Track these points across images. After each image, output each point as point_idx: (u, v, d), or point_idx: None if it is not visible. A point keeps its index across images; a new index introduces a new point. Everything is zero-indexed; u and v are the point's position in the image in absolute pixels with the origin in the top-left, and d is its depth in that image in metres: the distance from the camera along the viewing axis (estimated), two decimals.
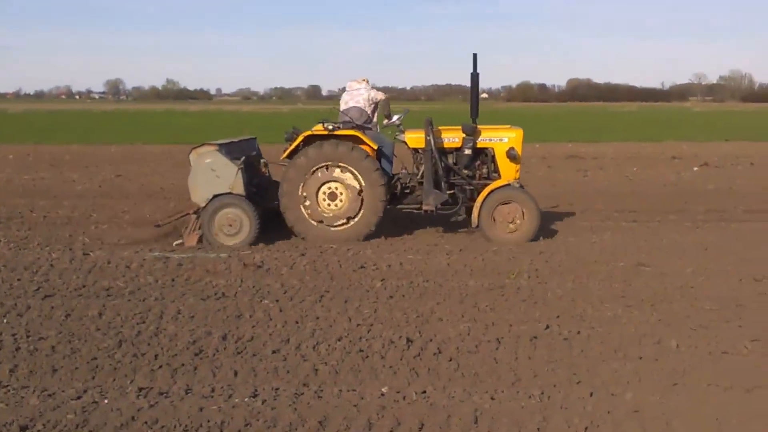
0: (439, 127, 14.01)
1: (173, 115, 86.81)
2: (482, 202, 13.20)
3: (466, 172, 13.98)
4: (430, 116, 13.87)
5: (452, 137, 14.01)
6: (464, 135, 13.87)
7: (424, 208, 13.64)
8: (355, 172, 13.32)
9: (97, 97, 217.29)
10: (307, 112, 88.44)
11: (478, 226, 13.30)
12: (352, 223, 13.44)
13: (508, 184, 13.44)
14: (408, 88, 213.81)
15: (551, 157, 30.09)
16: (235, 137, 14.83)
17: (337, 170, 13.37)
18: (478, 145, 13.97)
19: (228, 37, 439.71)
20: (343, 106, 14.71)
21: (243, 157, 13.58)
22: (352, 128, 13.71)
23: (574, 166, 27.53)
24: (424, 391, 6.80)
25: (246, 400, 6.63)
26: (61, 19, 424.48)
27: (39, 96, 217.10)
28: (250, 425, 6.12)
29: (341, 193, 13.40)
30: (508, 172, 13.92)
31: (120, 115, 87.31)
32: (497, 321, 8.75)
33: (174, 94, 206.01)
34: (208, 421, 6.17)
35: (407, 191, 14.16)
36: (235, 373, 7.24)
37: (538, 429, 6.07)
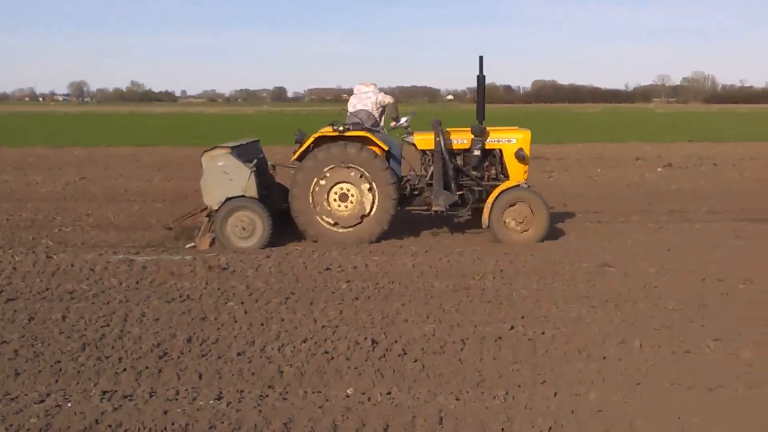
0: (448, 129, 14.04)
1: (138, 117, 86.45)
2: (493, 203, 13.27)
3: (474, 173, 14.06)
4: (438, 118, 13.95)
5: (461, 139, 14.09)
6: (473, 136, 13.97)
7: (434, 208, 13.70)
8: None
9: (61, 99, 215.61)
10: (273, 114, 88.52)
11: (488, 227, 13.35)
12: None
13: (518, 185, 13.53)
14: None
15: None
16: (243, 140, 14.73)
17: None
18: (487, 146, 14.07)
19: (193, 39, 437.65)
20: (351, 109, 14.74)
21: (255, 160, 13.57)
22: (362, 130, 13.71)
23: (539, 167, 27.55)
24: (389, 392, 6.81)
25: (211, 402, 6.61)
26: (23, 20, 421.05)
27: (2, 98, 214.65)
28: (215, 428, 6.11)
29: (352, 194, 13.41)
30: (516, 173, 14.02)
31: (84, 117, 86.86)
32: (462, 322, 8.78)
33: (139, 96, 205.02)
34: (173, 424, 6.15)
35: (416, 192, 14.21)
36: (200, 376, 7.23)
37: (503, 429, 6.10)
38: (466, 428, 6.11)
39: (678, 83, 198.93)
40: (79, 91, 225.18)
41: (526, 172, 14.09)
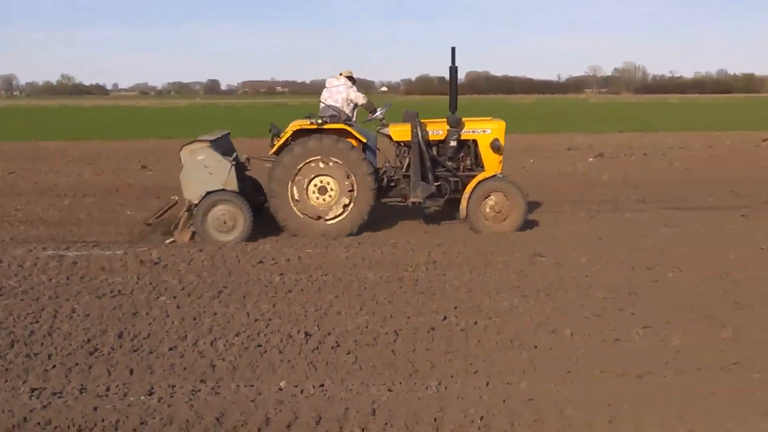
0: (423, 120, 14.03)
1: (68, 110, 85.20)
2: (470, 194, 13.38)
3: (450, 164, 14.12)
4: (414, 110, 14.02)
5: (437, 130, 14.12)
6: (449, 127, 14.01)
7: (412, 199, 13.77)
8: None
9: None
10: (207, 107, 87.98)
11: (466, 218, 13.45)
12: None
13: (495, 175, 13.66)
14: (308, 82, 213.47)
15: None
16: (217, 132, 14.64)
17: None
18: (462, 137, 14.12)
19: (124, 32, 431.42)
20: (322, 103, 14.75)
21: (235, 153, 13.54)
22: (339, 122, 13.68)
23: None
24: (322, 385, 6.82)
25: (142, 398, 6.56)
26: None
27: None
28: (146, 423, 6.07)
29: (331, 187, 13.37)
30: (491, 163, 14.14)
31: (13, 111, 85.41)
32: (395, 313, 8.80)
33: (69, 89, 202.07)
34: (103, 421, 6.09)
35: (392, 184, 14.24)
36: (131, 371, 7.16)
37: (435, 419, 6.13)
38: (399, 419, 6.13)
39: (609, 74, 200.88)
40: (7, 84, 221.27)
41: (500, 162, 14.23)
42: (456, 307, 8.99)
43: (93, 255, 11.76)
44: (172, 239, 13.19)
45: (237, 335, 8.07)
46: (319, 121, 13.42)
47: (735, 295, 9.40)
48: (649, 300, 9.26)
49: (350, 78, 15.16)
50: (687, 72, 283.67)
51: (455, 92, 14.16)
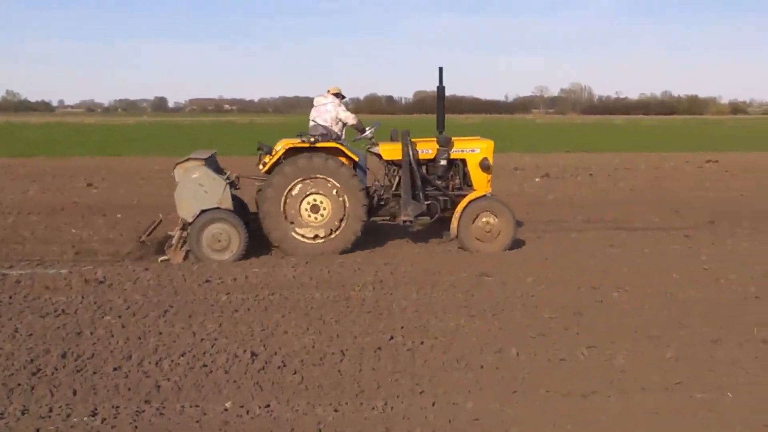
0: (413, 139, 14.00)
1: (13, 127, 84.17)
2: (461, 213, 13.39)
3: (440, 183, 14.14)
4: (406, 129, 14.04)
5: (426, 149, 14.13)
6: (439, 146, 14.03)
7: (403, 218, 13.77)
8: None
9: None
10: (154, 125, 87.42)
11: (456, 237, 13.49)
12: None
13: (485, 195, 13.70)
14: (256, 100, 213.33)
15: None
16: (205, 151, 14.49)
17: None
18: (452, 156, 14.16)
19: (70, 48, 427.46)
20: (311, 122, 14.71)
21: (228, 172, 13.48)
22: (331, 140, 13.68)
23: None
24: (268, 405, 6.78)
25: (85, 419, 6.48)
26: None
27: None
28: None
29: (323, 205, 13.33)
30: (480, 182, 14.19)
31: None
32: (342, 333, 8.79)
33: (14, 105, 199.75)
34: None
35: (382, 203, 14.21)
36: (74, 392, 7.07)
37: None
38: None
39: (556, 94, 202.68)
40: None
41: (489, 181, 14.28)
42: (403, 327, 9.00)
43: (37, 274, 11.65)
44: (166, 257, 13.09)
45: (182, 355, 8.01)
46: (312, 139, 13.42)
47: (678, 315, 9.50)
48: (594, 320, 9.33)
49: (337, 95, 15.19)
50: (632, 93, 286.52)
51: (443, 111, 14.27)
